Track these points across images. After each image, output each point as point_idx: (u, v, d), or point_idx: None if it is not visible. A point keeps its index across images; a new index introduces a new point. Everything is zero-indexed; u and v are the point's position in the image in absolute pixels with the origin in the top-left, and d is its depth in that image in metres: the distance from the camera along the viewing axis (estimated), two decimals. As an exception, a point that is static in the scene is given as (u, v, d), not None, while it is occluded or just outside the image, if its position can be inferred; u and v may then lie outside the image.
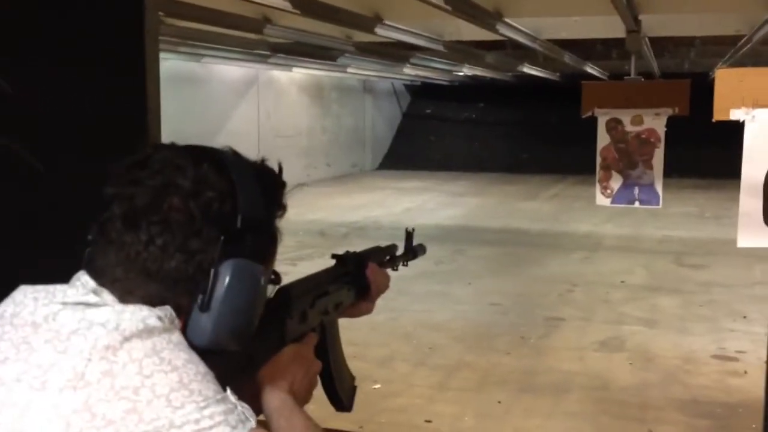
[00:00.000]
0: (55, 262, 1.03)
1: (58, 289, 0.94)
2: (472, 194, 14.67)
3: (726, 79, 4.82)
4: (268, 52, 9.36)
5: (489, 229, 10.79)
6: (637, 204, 6.33)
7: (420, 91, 20.28)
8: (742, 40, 7.70)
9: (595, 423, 4.22)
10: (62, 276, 0.98)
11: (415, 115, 20.57)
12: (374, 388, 4.58)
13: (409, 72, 13.47)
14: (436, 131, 20.11)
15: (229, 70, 13.03)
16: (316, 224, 10.53)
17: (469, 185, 16.09)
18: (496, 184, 16.36)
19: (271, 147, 14.63)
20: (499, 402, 4.48)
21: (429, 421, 4.22)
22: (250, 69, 13.31)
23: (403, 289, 6.41)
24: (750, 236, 4.18)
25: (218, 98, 13.18)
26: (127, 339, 0.87)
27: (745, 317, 6.16)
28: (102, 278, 0.96)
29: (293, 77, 15.43)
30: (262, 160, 1.07)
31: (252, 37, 7.98)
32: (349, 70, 12.71)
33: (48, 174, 1.36)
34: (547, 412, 4.35)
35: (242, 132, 13.71)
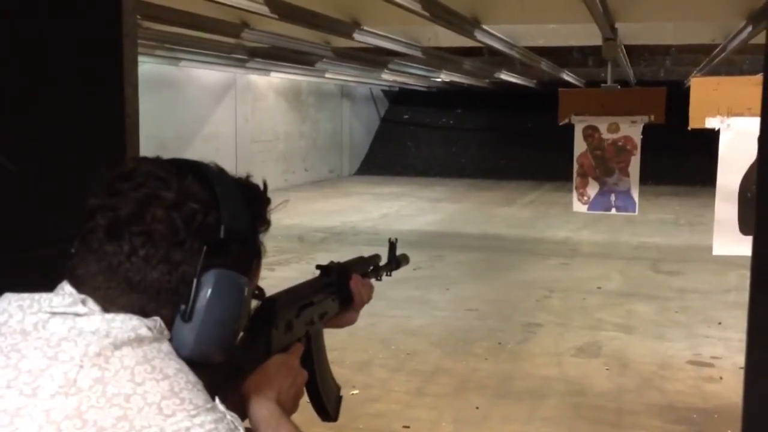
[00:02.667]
0: (33, 266, 1.02)
1: (43, 297, 0.93)
2: (449, 200, 14.71)
3: (701, 88, 4.88)
4: (245, 57, 9.33)
5: (467, 234, 10.82)
6: (613, 210, 6.40)
7: (398, 97, 20.33)
8: (717, 49, 7.79)
9: (572, 428, 4.24)
10: (42, 280, 0.97)
11: (393, 121, 20.61)
12: (352, 394, 4.57)
13: (387, 78, 13.49)
14: (413, 137, 20.16)
15: (206, 74, 12.98)
16: (294, 229, 10.50)
17: (447, 191, 16.14)
18: (473, 190, 16.42)
19: (249, 152, 14.59)
20: (477, 408, 4.49)
21: (407, 427, 4.22)
22: (227, 73, 13.26)
23: (382, 294, 6.37)
24: (725, 244, 4.22)
25: (195, 102, 13.11)
26: (117, 347, 0.87)
27: (720, 323, 6.22)
28: (83, 287, 0.95)
29: (271, 82, 15.39)
30: (247, 176, 1.07)
31: (230, 42, 7.95)
32: (327, 75, 12.70)
33: (24, 177, 1.34)
34: (524, 418, 4.36)
35: (220, 136, 13.64)
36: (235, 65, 10.82)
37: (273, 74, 13.45)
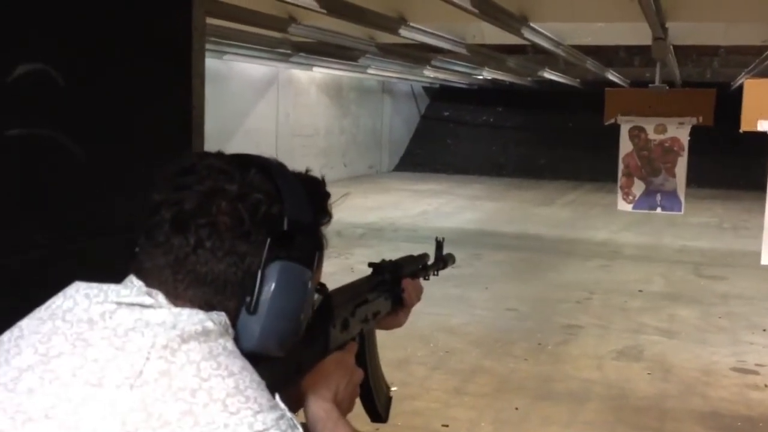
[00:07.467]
0: (103, 252, 1.02)
1: (111, 288, 0.94)
2: (488, 198, 14.64)
3: (755, 90, 4.79)
4: (290, 51, 9.37)
5: (506, 234, 10.76)
6: (659, 210, 6.32)
7: (438, 94, 20.26)
8: (768, 51, 7.63)
9: (614, 432, 4.19)
10: (108, 269, 0.98)
11: (433, 118, 20.55)
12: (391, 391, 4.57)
13: (429, 74, 13.45)
14: (453, 134, 20.09)
15: (249, 68, 13.05)
16: (333, 224, 10.35)
17: (486, 189, 16.06)
18: (512, 188, 16.32)
19: (289, 146, 14.65)
20: (517, 409, 4.46)
21: (446, 426, 4.20)
22: (270, 67, 13.33)
23: (421, 291, 6.38)
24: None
25: (238, 96, 13.20)
26: (185, 340, 0.87)
27: (764, 330, 6.10)
28: (150, 280, 0.95)
29: (313, 77, 15.44)
30: (307, 170, 1.08)
31: (276, 36, 7.98)
32: (370, 71, 12.70)
33: (91, 166, 1.36)
34: (565, 421, 4.32)
35: (260, 130, 13.72)
36: (278, 59, 10.87)
37: (315, 69, 13.48)
